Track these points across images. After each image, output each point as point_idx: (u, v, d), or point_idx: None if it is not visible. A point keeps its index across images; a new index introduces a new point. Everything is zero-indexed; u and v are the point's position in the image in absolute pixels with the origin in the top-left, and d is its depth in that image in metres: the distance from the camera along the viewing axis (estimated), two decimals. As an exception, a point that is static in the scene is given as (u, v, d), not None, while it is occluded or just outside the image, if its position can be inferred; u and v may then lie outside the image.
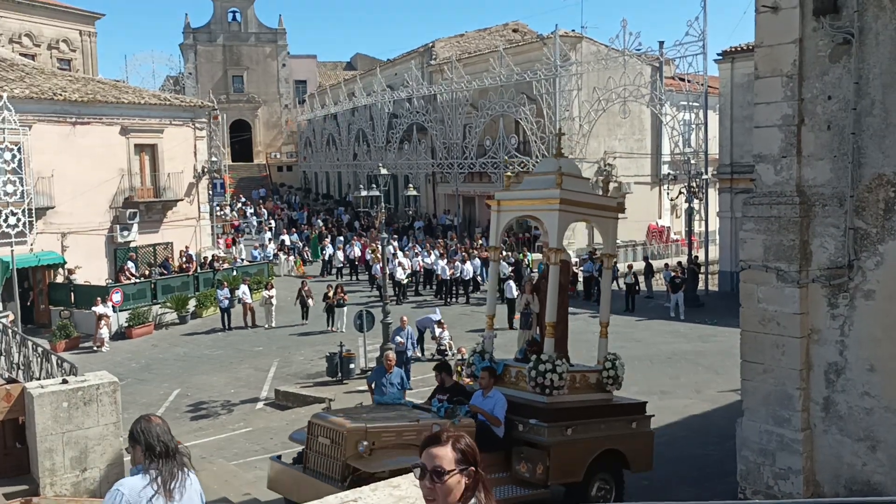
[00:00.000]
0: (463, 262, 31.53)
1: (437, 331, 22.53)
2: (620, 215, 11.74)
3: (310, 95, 67.45)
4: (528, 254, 33.83)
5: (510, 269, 30.33)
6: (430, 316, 23.23)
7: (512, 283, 27.26)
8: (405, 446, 8.98)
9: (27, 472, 9.27)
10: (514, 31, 51.88)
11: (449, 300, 30.59)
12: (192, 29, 66.69)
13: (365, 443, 8.94)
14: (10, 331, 14.04)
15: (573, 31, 38.72)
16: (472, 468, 2.90)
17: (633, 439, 10.66)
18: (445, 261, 31.85)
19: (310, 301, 27.15)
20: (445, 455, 2.90)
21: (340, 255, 36.38)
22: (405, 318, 20.46)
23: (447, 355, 21.39)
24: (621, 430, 10.59)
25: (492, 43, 47.18)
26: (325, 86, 66.01)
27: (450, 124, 43.29)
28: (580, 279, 31.41)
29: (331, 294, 26.36)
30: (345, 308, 25.60)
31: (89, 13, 50.19)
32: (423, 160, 45.70)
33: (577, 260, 34.04)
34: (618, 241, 13.79)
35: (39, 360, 11.72)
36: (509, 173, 12.78)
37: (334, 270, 36.51)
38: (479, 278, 31.72)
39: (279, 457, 10.55)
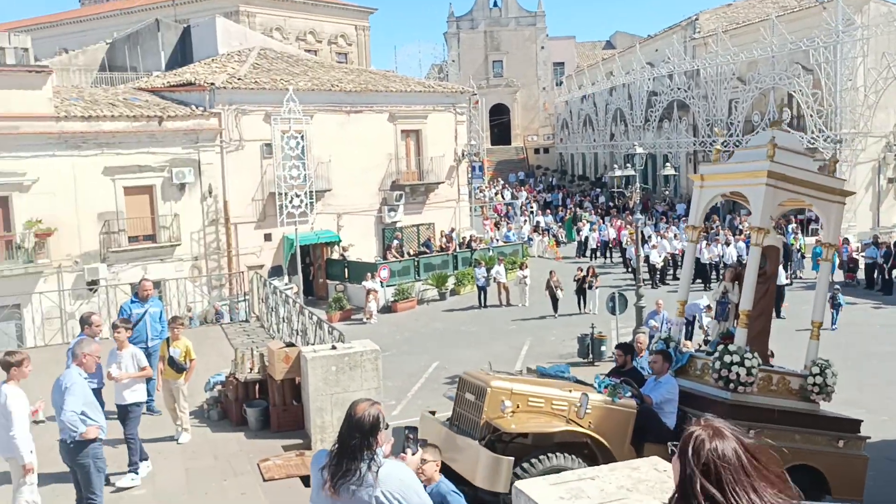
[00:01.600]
0: (726, 245, 29.88)
1: (706, 320, 21.08)
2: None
3: (567, 77, 67.37)
4: (801, 238, 31.28)
5: (778, 253, 28.26)
6: (697, 302, 21.84)
7: (781, 269, 25.35)
8: (552, 414, 8.51)
9: (302, 428, 10.23)
10: (789, -4, 47.86)
11: (708, 285, 29.13)
12: (456, 17, 69.22)
13: (508, 402, 8.49)
14: (291, 300, 15.55)
15: (859, -9, 34.89)
16: None
17: (837, 459, 9.33)
18: (704, 243, 30.33)
19: (559, 292, 26.37)
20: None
21: (595, 236, 36.08)
22: (661, 302, 19.82)
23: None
24: (822, 447, 9.32)
25: (763, 11, 43.94)
26: (583, 66, 65.50)
27: (714, 100, 41.07)
28: (861, 266, 28.52)
29: (581, 276, 26.27)
30: (596, 290, 25.36)
31: (364, 9, 53.90)
32: (684, 138, 43.84)
33: (860, 245, 30.91)
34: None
35: (314, 327, 12.85)
36: (718, 146, 11.45)
37: (588, 252, 36.30)
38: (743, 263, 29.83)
39: (433, 412, 10.07)
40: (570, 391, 8.76)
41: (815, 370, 9.74)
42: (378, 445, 3.84)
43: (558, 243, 39.30)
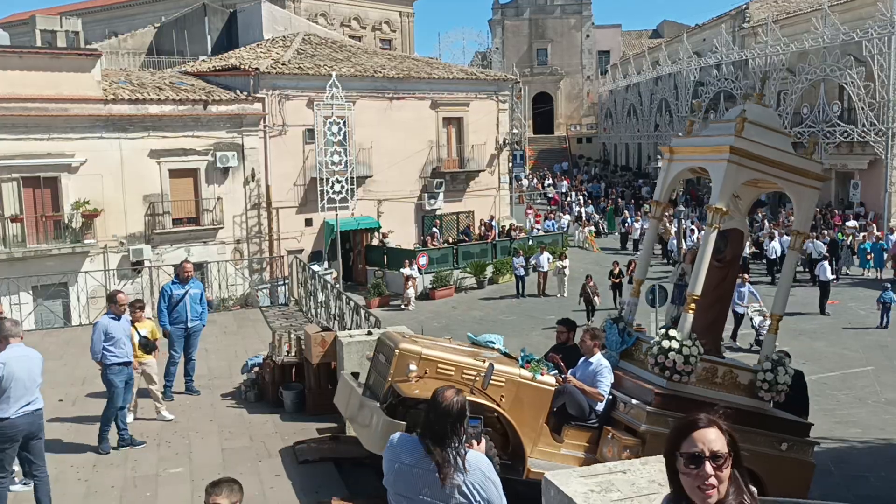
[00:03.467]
0: (770, 238, 29.38)
1: (758, 319, 20.23)
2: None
3: (612, 66, 66.60)
4: (853, 233, 30.67)
5: (825, 248, 27.72)
6: (741, 291, 21.36)
7: (826, 265, 24.85)
8: (460, 383, 7.82)
9: (336, 412, 10.29)
10: (843, -15, 46.69)
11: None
12: (501, 4, 68.82)
13: (413, 367, 7.92)
14: (329, 286, 15.66)
15: (917, -20, 33.86)
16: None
17: (777, 463, 8.60)
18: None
19: (596, 299, 24.68)
20: (720, 438, 2.63)
21: (638, 226, 35.71)
22: (700, 295, 19.54)
23: None
24: (761, 448, 8.55)
25: (815, 1, 42.91)
26: (629, 55, 64.69)
27: (761, 91, 40.26)
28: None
29: (616, 272, 25.63)
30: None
31: (408, -5, 53.81)
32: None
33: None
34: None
35: (351, 312, 12.93)
36: (692, 118, 10.56)
37: (631, 243, 35.97)
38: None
39: (356, 374, 9.46)
40: (484, 361, 8.16)
41: (767, 366, 8.89)
42: (465, 433, 3.91)
43: (598, 234, 38.99)
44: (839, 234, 30.23)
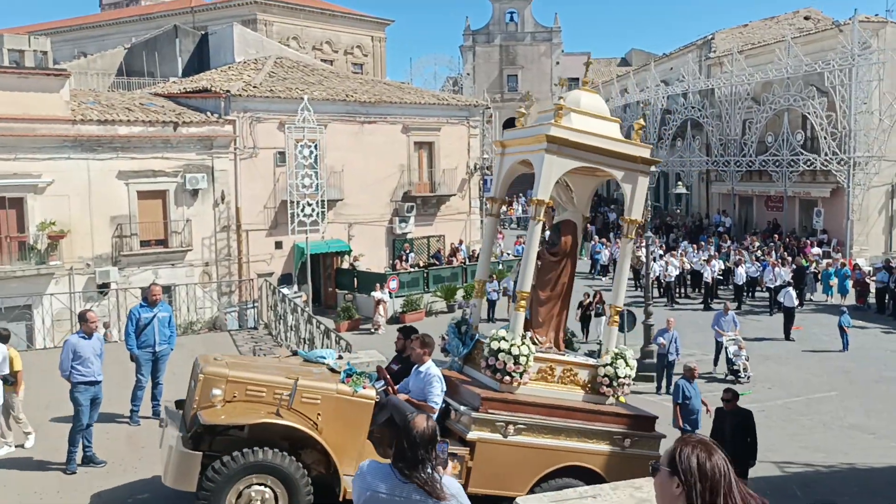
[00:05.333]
0: (736, 265, 29.83)
1: (732, 348, 20.39)
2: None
3: (582, 93, 67.35)
4: (816, 259, 31.30)
5: (790, 274, 28.20)
6: (717, 313, 21.60)
7: (791, 290, 25.27)
8: (273, 404, 7.42)
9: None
10: (806, 18, 47.95)
11: (710, 303, 29.14)
12: (472, 31, 69.50)
13: (217, 391, 7.40)
14: (299, 309, 15.59)
15: (876, 15, 34.93)
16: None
17: (619, 460, 8.28)
18: (706, 262, 30.41)
19: (603, 320, 23.03)
20: None
21: (607, 253, 36.03)
22: (672, 320, 19.76)
23: (740, 377, 20.00)
24: (601, 445, 8.29)
25: (779, 33, 43.96)
26: (598, 83, 65.58)
27: (727, 120, 41.05)
28: (872, 290, 28.40)
29: (586, 303, 24.94)
30: (603, 318, 23.43)
31: (381, 20, 54.17)
32: (697, 157, 43.81)
33: (871, 269, 30.78)
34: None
35: (321, 336, 12.87)
36: (522, 109, 10.15)
37: (599, 268, 36.25)
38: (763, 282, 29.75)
39: (181, 403, 8.63)
40: (298, 379, 7.63)
41: (607, 360, 8.63)
42: (436, 459, 3.94)
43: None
44: (804, 260, 30.77)
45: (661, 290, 30.78)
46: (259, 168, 28.65)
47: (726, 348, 20.47)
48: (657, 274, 29.74)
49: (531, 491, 7.93)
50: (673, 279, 30.50)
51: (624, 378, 8.54)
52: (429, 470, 3.87)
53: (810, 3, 51.12)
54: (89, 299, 23.77)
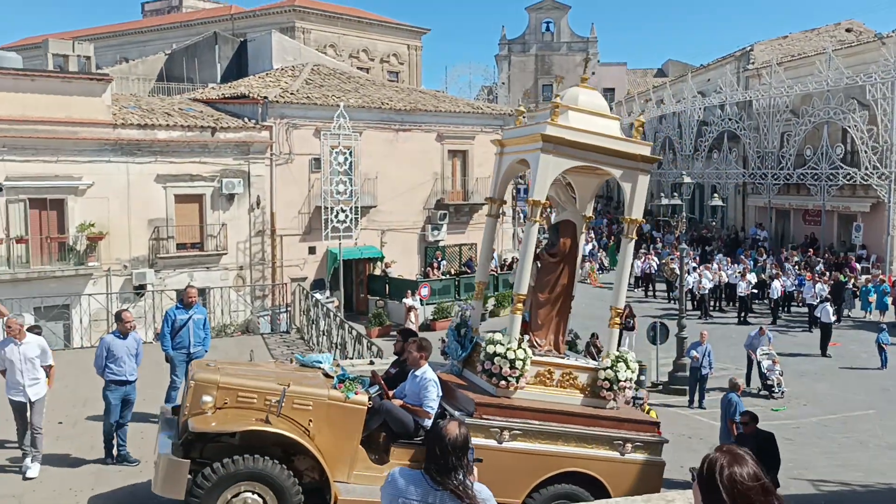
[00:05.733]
0: (771, 279, 29.46)
1: (766, 363, 20.12)
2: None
3: (617, 103, 67.06)
4: (857, 276, 30.77)
5: (827, 290, 27.76)
6: (751, 333, 21.21)
7: (828, 306, 24.85)
8: (263, 410, 7.37)
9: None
10: (848, 30, 47.29)
11: (745, 317, 28.78)
12: (508, 40, 69.59)
13: (208, 398, 7.35)
14: (331, 314, 15.68)
15: (920, 27, 34.29)
16: None
17: (620, 466, 8.09)
18: (741, 275, 30.04)
19: (632, 335, 22.58)
20: None
21: (639, 264, 35.76)
22: (705, 333, 19.52)
23: (774, 392, 19.72)
24: (601, 451, 8.09)
25: (819, 45, 43.42)
26: (633, 93, 65.25)
27: (765, 132, 40.55)
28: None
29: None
30: (633, 332, 23.14)
31: (417, 29, 54.47)
32: (733, 169, 43.31)
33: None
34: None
35: (353, 342, 12.93)
36: (521, 107, 9.89)
37: (633, 280, 36.01)
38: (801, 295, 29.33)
39: (175, 408, 8.65)
40: (289, 385, 7.56)
41: (607, 363, 8.45)
42: (468, 465, 3.91)
43: (601, 268, 39.01)
44: (842, 276, 30.28)
45: (695, 302, 30.48)
46: (294, 174, 28.91)
47: (759, 362, 20.19)
48: (690, 286, 29.44)
49: (528, 497, 7.87)
50: (707, 292, 30.19)
51: (625, 381, 8.35)
52: (461, 476, 3.85)
53: (852, 14, 50.55)
54: (126, 300, 24.14)
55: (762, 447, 10.49)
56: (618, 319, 8.73)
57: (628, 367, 8.37)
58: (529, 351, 8.17)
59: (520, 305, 8.29)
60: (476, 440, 7.52)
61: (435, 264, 32.30)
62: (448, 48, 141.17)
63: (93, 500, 8.42)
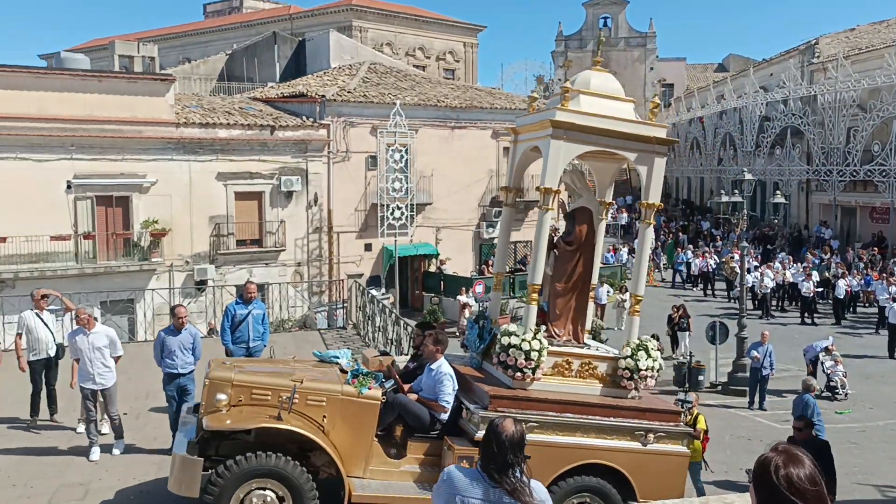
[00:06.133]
0: (836, 278, 28.65)
1: (828, 363, 19.52)
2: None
3: (676, 99, 66.04)
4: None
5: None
6: (815, 344, 20.59)
7: None
8: (277, 407, 7.35)
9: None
10: (918, 21, 45.65)
11: (812, 319, 28.01)
12: (564, 36, 69.03)
13: (222, 395, 7.35)
14: (387, 310, 15.80)
15: None
16: None
17: (642, 457, 7.82)
18: (805, 276, 29.25)
19: (686, 336, 22.20)
20: None
21: (697, 262, 35.16)
22: (767, 333, 19.08)
23: (837, 394, 19.22)
24: (622, 442, 7.84)
25: (888, 37, 42.00)
26: (693, 89, 64.15)
27: (831, 127, 39.41)
28: None
29: (675, 316, 23.00)
30: (687, 333, 22.66)
31: (473, 26, 54.47)
32: (797, 166, 42.22)
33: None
34: None
35: (408, 338, 13.01)
36: (534, 93, 9.32)
37: (690, 279, 35.41)
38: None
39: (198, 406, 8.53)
40: (302, 381, 7.56)
41: (627, 352, 8.17)
42: (524, 462, 3.89)
43: (657, 268, 38.46)
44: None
45: (756, 302, 29.83)
46: (351, 171, 29.20)
47: (822, 362, 19.65)
48: (750, 285, 28.81)
49: (548, 490, 7.72)
50: (769, 291, 29.52)
51: (646, 370, 8.07)
52: (518, 474, 3.84)
53: (924, 5, 48.62)
54: (187, 295, 24.72)
55: (817, 456, 10.11)
56: (638, 307, 8.46)
57: (649, 356, 8.11)
58: (545, 341, 8.00)
59: (535, 296, 8.10)
60: None
61: (490, 261, 32.26)
62: (504, 45, 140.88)
63: (156, 488, 8.65)
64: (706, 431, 11.91)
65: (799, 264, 31.86)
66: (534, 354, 7.79)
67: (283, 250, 27.75)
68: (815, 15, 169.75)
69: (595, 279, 9.29)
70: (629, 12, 69.27)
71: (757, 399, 18.51)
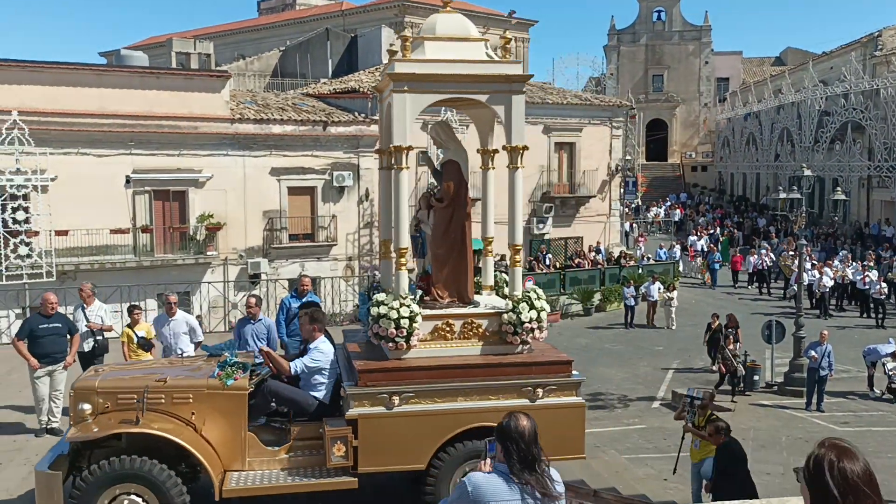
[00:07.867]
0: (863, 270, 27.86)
1: (890, 365, 18.87)
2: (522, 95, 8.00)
3: (731, 93, 64.83)
4: None
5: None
6: (878, 347, 19.92)
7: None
8: (154, 409, 7.14)
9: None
10: None
11: (880, 321, 27.22)
12: (617, 30, 68.24)
13: (86, 405, 7.17)
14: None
15: None
16: None
17: (536, 413, 7.26)
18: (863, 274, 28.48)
19: (736, 347, 19.12)
20: None
21: (753, 260, 34.49)
22: (825, 333, 18.60)
23: None
24: (511, 400, 7.54)
25: (956, 27, 40.61)
26: (749, 83, 62.88)
27: (894, 122, 38.29)
28: None
29: (714, 324, 20.47)
30: (739, 345, 20.02)
31: (524, 21, 54.13)
32: (857, 162, 41.11)
33: None
34: None
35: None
36: (392, 47, 8.71)
37: (746, 277, 34.76)
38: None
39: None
40: (166, 381, 7.41)
41: (508, 306, 7.92)
42: (541, 454, 3.92)
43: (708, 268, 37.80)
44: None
45: (813, 301, 29.15)
46: (402, 167, 29.26)
47: (884, 364, 19.08)
48: (807, 283, 28.15)
49: (434, 458, 7.52)
50: (827, 290, 28.82)
51: (530, 322, 7.82)
52: (543, 466, 3.88)
53: None
54: (241, 289, 25.12)
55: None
56: (518, 257, 8.22)
57: (532, 307, 7.87)
58: (416, 307, 7.72)
59: (403, 261, 7.84)
60: (362, 409, 7.36)
61: (539, 257, 32.12)
62: (556, 40, 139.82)
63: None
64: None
65: (859, 262, 31.00)
66: (404, 322, 7.53)
67: (335, 245, 28.01)
68: (878, 6, 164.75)
69: (490, 233, 9.39)
70: (683, 5, 68.27)
71: (815, 400, 18.08)
